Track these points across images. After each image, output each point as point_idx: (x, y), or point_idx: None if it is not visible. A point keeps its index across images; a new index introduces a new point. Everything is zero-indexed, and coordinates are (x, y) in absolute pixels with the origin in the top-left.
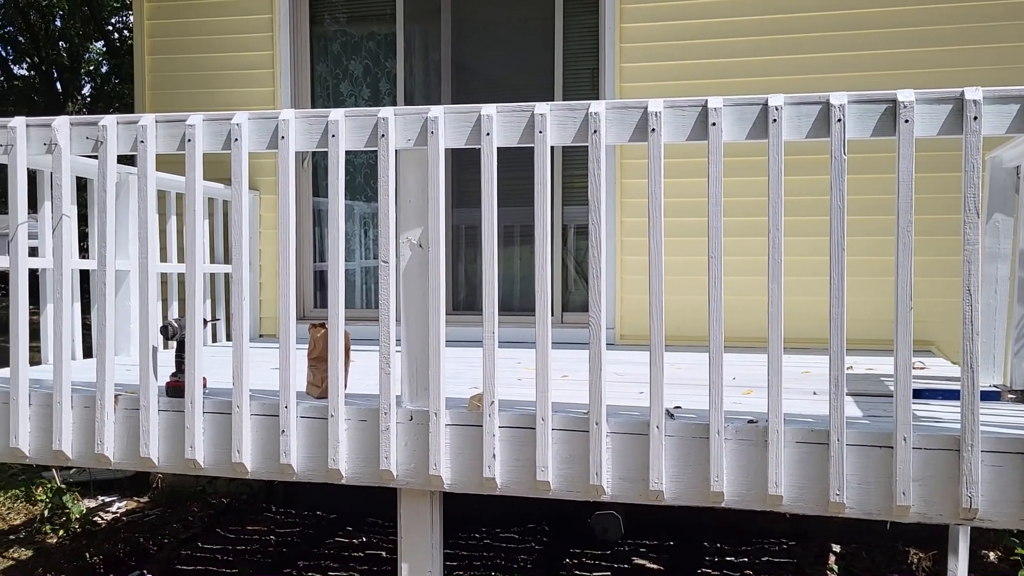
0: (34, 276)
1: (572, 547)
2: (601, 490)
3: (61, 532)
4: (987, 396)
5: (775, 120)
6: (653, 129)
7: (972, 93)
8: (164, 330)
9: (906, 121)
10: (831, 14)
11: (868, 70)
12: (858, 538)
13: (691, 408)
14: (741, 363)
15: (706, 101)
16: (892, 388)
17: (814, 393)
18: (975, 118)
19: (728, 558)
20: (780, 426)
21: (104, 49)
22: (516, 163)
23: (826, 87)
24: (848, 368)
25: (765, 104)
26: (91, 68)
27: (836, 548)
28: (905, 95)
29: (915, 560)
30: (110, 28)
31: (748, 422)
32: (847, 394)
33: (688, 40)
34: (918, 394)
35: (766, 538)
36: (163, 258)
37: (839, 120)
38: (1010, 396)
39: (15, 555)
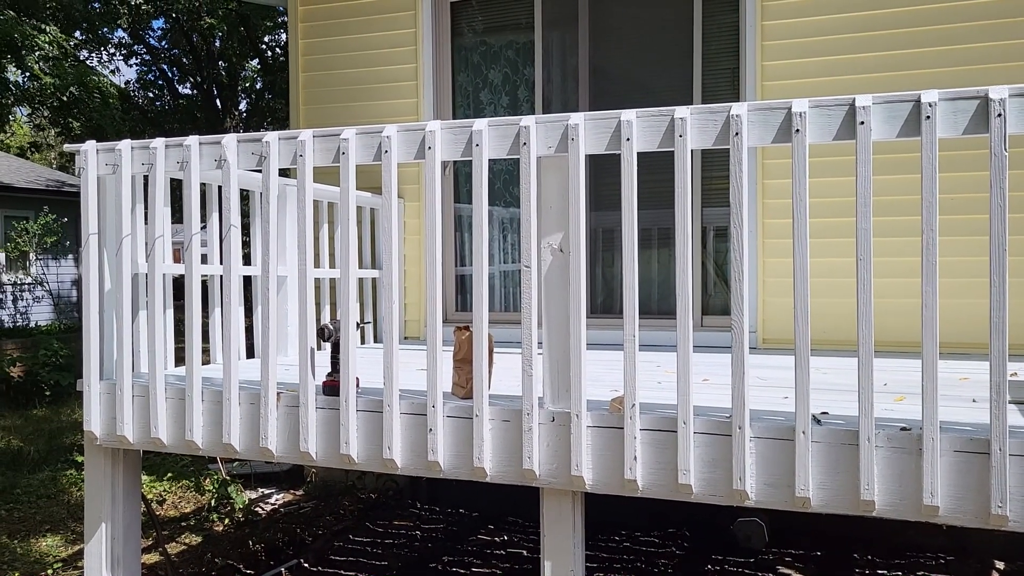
0: (202, 283)
1: (714, 553)
2: (744, 495)
3: (226, 520)
4: None
5: (928, 117)
6: (797, 130)
7: None
8: (321, 332)
9: None
10: (987, 1)
11: None
12: None
13: (839, 414)
14: (892, 368)
15: (854, 100)
16: None
17: (973, 400)
18: None
19: (880, 571)
20: (936, 433)
21: (259, 66)
22: (654, 165)
23: (985, 80)
24: (1011, 375)
25: (917, 101)
26: (247, 85)
27: (1000, 565)
28: None
29: None
30: (263, 47)
31: (901, 429)
32: (1013, 402)
33: (832, 35)
34: None
35: (921, 552)
36: (317, 264)
37: (999, 115)
38: None
39: (187, 540)
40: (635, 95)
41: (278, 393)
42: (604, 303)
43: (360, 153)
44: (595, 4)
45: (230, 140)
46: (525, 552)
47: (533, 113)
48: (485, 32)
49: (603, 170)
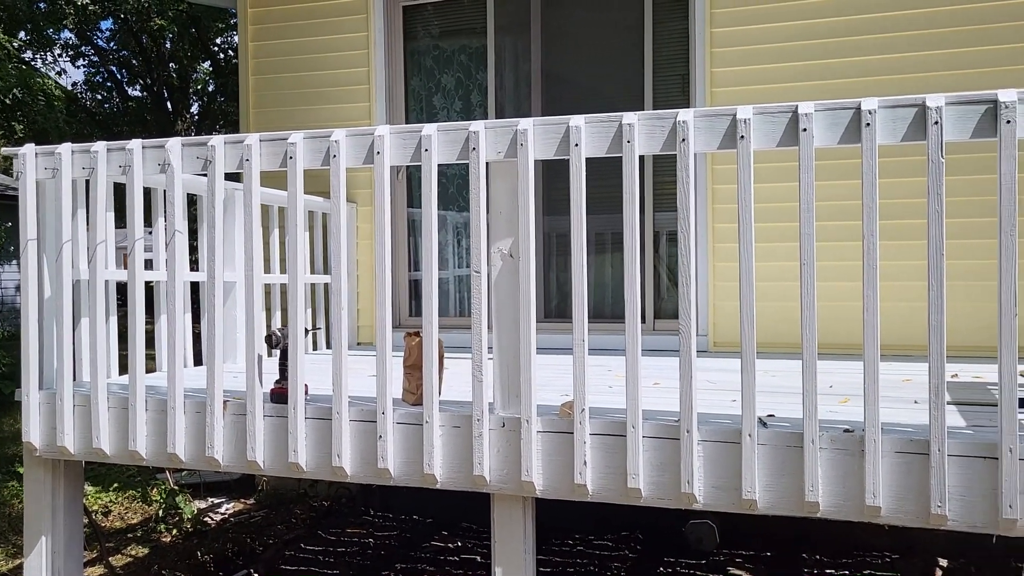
0: (148, 288)
1: (666, 556)
2: (693, 498)
3: (174, 531)
4: None
5: (868, 124)
6: (742, 136)
7: None
8: (268, 339)
9: (1008, 122)
10: (930, 11)
11: (971, 67)
12: (967, 552)
13: (785, 416)
14: (840, 371)
15: (796, 107)
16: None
17: (915, 402)
18: None
19: (828, 571)
20: (877, 435)
21: (211, 69)
22: (606, 170)
23: (927, 88)
24: (952, 376)
25: (858, 108)
26: (198, 87)
27: (943, 562)
28: (1007, 95)
29: None
30: (216, 49)
31: (844, 431)
32: (951, 403)
33: (780, 43)
34: None
35: (867, 551)
36: (266, 269)
37: (936, 123)
38: None
39: (132, 552)
40: (588, 101)
41: (224, 401)
42: (558, 307)
43: (308, 158)
44: (547, 10)
45: (174, 144)
46: (479, 558)
47: (486, 118)
48: (438, 36)
49: (556, 175)
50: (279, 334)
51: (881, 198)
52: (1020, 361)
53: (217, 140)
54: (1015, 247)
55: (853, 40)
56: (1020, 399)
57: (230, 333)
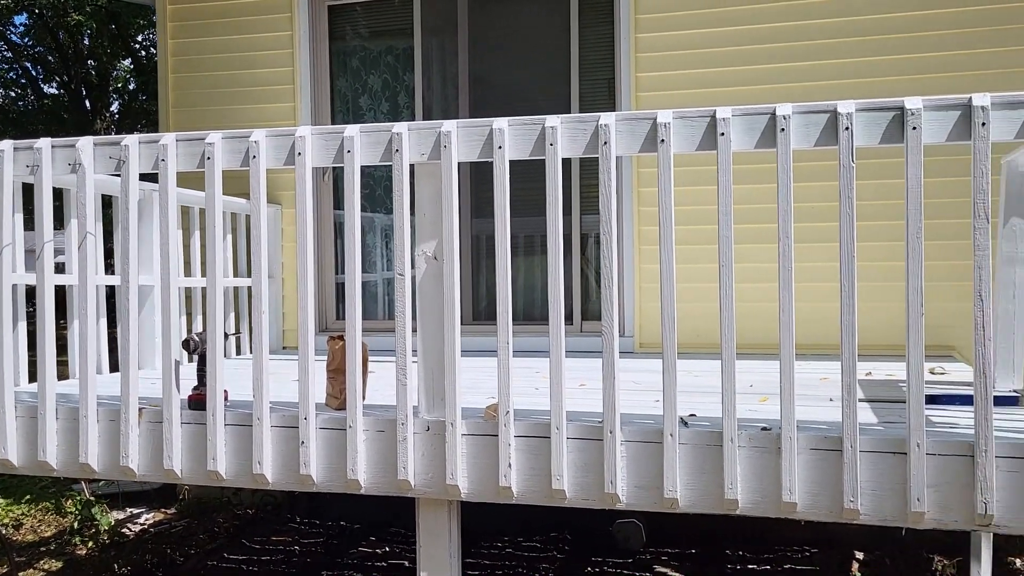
0: (62, 293)
1: (594, 556)
2: (616, 498)
3: (90, 544)
4: (1005, 401)
5: (783, 129)
6: (663, 140)
7: (980, 99)
8: (186, 344)
9: (914, 128)
10: (844, 20)
11: (883, 75)
12: (881, 545)
13: (707, 416)
14: (761, 370)
15: (715, 111)
16: None
17: (831, 400)
18: (983, 124)
19: (751, 566)
20: (793, 433)
21: (131, 67)
22: (535, 172)
23: (842, 94)
24: (867, 374)
25: (773, 114)
26: (119, 86)
27: (859, 555)
28: (912, 102)
29: (939, 567)
30: (136, 46)
31: (762, 429)
32: (864, 400)
33: (704, 49)
34: (935, 400)
35: (788, 545)
36: (188, 272)
37: (847, 128)
38: None
39: (45, 566)
40: (515, 103)
41: (140, 409)
42: (487, 310)
43: (227, 158)
44: (474, 12)
45: (85, 143)
46: (407, 563)
47: (414, 119)
48: (364, 37)
49: (485, 177)
50: (197, 339)
51: (799, 201)
52: (928, 359)
53: (131, 140)
54: (922, 249)
55: (768, 48)
56: (928, 396)
57: (148, 338)
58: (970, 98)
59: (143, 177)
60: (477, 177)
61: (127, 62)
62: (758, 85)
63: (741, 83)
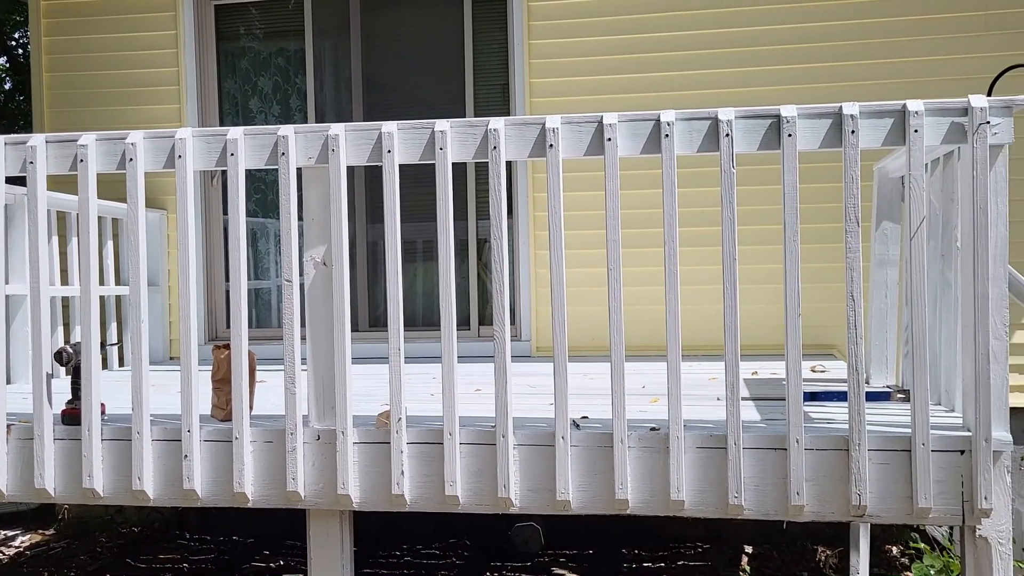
0: None
1: (493, 560)
2: (509, 502)
3: None
4: (878, 396)
5: (667, 135)
6: (551, 145)
7: (849, 108)
8: (58, 356)
9: (789, 135)
10: (730, 31)
11: (765, 85)
12: (769, 539)
13: (599, 417)
14: (653, 371)
15: (602, 117)
16: None
17: (718, 399)
18: (853, 132)
19: (646, 563)
20: (680, 432)
21: (7, 65)
22: (430, 177)
23: (727, 102)
24: (752, 373)
25: (657, 120)
26: None
27: (748, 549)
28: (788, 110)
29: (822, 557)
30: (13, 44)
31: (651, 429)
32: (749, 399)
33: (596, 56)
34: (815, 396)
35: (682, 542)
36: (67, 281)
37: (727, 135)
38: (899, 396)
39: None
40: (410, 108)
41: (8, 425)
42: (385, 316)
43: (102, 161)
44: (368, 15)
45: None
46: None
47: (306, 123)
48: (254, 38)
49: (381, 182)
50: (70, 350)
51: (684, 206)
52: (809, 358)
53: None
54: (798, 251)
55: (660, 57)
56: (808, 393)
57: (22, 351)
58: (840, 107)
59: (14, 181)
60: (373, 183)
61: (2, 60)
62: (652, 92)
63: (634, 90)
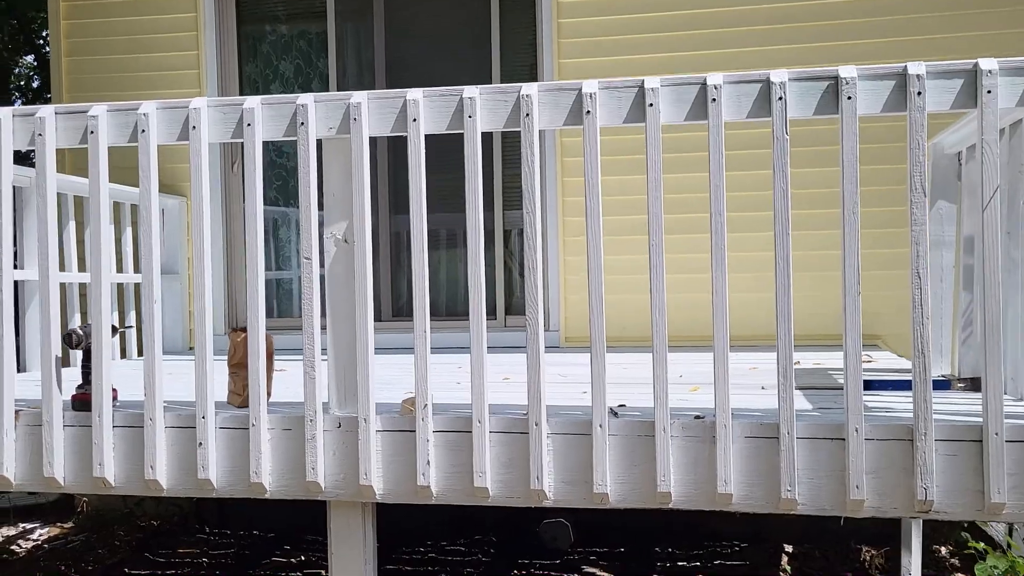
0: None
1: (521, 558)
2: (543, 495)
3: None
4: (936, 386)
5: (714, 99)
6: (588, 111)
7: (915, 67)
8: (68, 338)
9: (849, 98)
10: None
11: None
12: (811, 538)
13: (637, 406)
14: (688, 362)
15: (643, 81)
16: (841, 381)
17: (762, 388)
18: (919, 93)
19: (680, 563)
20: (728, 420)
21: (35, 63)
22: (457, 163)
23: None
24: (795, 363)
25: (704, 84)
26: (21, 83)
27: (789, 549)
28: (847, 71)
29: (868, 558)
30: (41, 42)
31: (695, 417)
32: (796, 388)
33: (625, 35)
34: (868, 385)
35: (718, 540)
36: (85, 268)
37: (780, 98)
38: (959, 385)
39: None
40: None
41: (17, 411)
42: (408, 306)
43: (113, 133)
44: None
45: None
46: (323, 572)
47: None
48: (275, 20)
49: (406, 170)
50: (80, 332)
51: (730, 190)
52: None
53: (3, 112)
54: (858, 224)
55: (698, 34)
56: (865, 381)
57: (37, 339)
58: (905, 66)
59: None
60: (396, 171)
61: (30, 58)
62: (683, 72)
63: (666, 70)
